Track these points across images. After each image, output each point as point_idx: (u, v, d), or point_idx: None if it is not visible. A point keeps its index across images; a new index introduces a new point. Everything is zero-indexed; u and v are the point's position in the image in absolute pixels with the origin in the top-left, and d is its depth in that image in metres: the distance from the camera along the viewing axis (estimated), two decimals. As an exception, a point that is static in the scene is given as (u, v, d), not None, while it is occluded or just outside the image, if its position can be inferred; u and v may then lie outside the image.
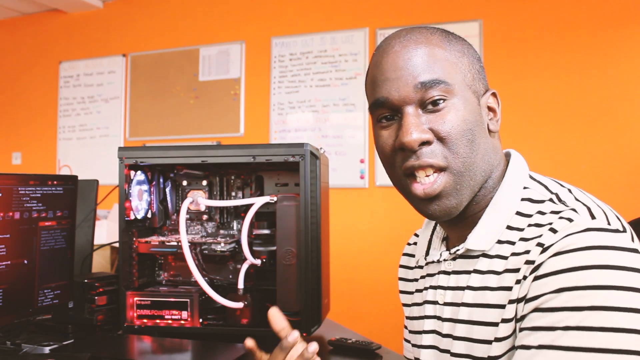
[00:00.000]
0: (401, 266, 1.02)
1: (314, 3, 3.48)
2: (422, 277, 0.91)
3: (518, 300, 0.70)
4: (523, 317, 0.69)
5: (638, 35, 2.85)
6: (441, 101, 0.76)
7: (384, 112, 0.79)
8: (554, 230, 0.70)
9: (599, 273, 0.64)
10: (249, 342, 0.91)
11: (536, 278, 0.68)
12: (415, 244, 1.00)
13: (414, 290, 0.94)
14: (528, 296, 0.68)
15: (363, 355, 1.31)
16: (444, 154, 0.76)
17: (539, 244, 0.70)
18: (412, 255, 0.99)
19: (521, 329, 0.69)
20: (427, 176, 0.77)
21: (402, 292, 1.01)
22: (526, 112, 2.97)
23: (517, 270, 0.72)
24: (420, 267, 0.93)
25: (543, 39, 2.99)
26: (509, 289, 0.72)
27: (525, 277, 0.70)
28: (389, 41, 0.81)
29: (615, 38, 2.87)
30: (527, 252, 0.72)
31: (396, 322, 1.06)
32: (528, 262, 0.70)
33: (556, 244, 0.68)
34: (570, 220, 0.70)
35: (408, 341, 1.00)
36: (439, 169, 0.76)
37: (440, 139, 0.76)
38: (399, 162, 0.79)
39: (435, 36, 0.79)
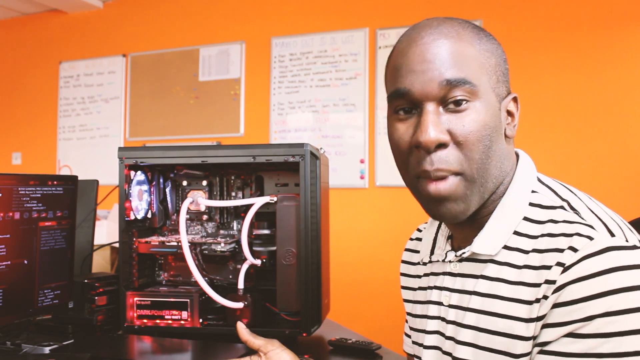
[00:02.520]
0: (403, 261, 1.01)
1: (314, 3, 3.48)
2: (426, 274, 0.91)
3: (537, 319, 0.69)
4: (547, 343, 0.68)
5: (638, 35, 2.85)
6: (464, 102, 0.73)
7: (403, 103, 0.77)
8: (574, 250, 0.68)
9: (627, 296, 0.64)
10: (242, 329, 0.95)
11: (560, 304, 0.67)
12: (418, 239, 0.99)
13: (416, 287, 0.93)
14: (551, 321, 0.68)
15: (363, 355, 1.31)
16: (459, 159, 0.74)
17: (559, 264, 0.69)
18: (415, 251, 0.98)
19: (545, 352, 0.68)
20: (442, 179, 0.75)
21: (404, 287, 1.00)
22: (526, 112, 2.96)
23: (536, 286, 0.71)
24: (424, 263, 0.93)
25: (543, 39, 2.99)
26: (528, 303, 0.71)
27: (545, 297, 0.69)
28: (418, 31, 0.78)
29: (615, 38, 2.87)
30: (546, 267, 0.70)
31: (396, 322, 1.06)
32: (549, 282, 0.69)
33: (577, 266, 0.67)
34: (590, 238, 0.69)
35: (409, 336, 1.00)
36: (453, 173, 0.74)
37: (457, 143, 0.73)
38: (413, 164, 0.76)
39: (466, 32, 0.76)
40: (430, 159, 0.74)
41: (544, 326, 0.69)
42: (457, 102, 0.73)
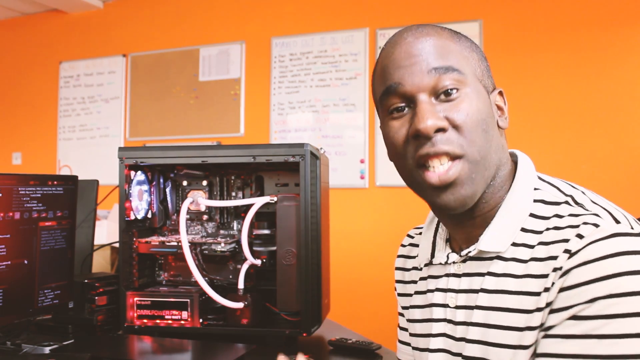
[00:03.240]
0: (397, 268, 1.00)
1: (314, 3, 3.48)
2: (423, 278, 0.90)
3: (545, 307, 0.70)
4: (551, 327, 0.68)
5: (638, 35, 2.85)
6: (454, 90, 0.75)
7: (396, 101, 0.78)
8: (580, 236, 0.69)
9: (631, 279, 0.64)
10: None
11: (566, 288, 0.67)
12: (412, 245, 0.99)
13: (412, 293, 0.93)
14: (557, 306, 0.68)
15: (363, 355, 1.31)
16: (460, 141, 0.74)
17: (566, 250, 0.69)
18: (409, 257, 0.98)
19: (549, 336, 0.68)
20: (441, 165, 0.74)
21: (400, 294, 0.99)
22: (526, 112, 2.97)
23: (544, 276, 0.71)
24: (418, 269, 0.92)
25: (543, 39, 2.99)
26: (536, 294, 0.71)
27: (553, 284, 0.69)
28: (400, 34, 0.80)
29: (615, 38, 2.87)
30: (553, 258, 0.70)
31: (396, 322, 1.05)
32: (556, 269, 0.69)
33: (583, 251, 0.67)
34: (596, 225, 0.69)
35: (406, 343, 0.99)
36: (454, 157, 0.74)
37: (456, 127, 0.74)
38: (411, 152, 0.76)
39: (445, 32, 0.80)
40: (431, 142, 0.74)
41: (551, 312, 0.69)
42: (448, 92, 0.75)
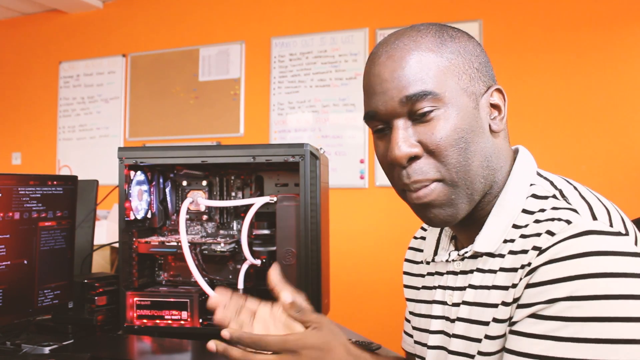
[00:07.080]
0: (407, 260, 1.01)
1: (314, 3, 3.48)
2: (430, 274, 0.91)
3: (513, 302, 0.70)
4: (516, 322, 0.69)
5: (638, 35, 2.85)
6: (430, 112, 0.73)
7: (376, 124, 0.79)
8: (551, 233, 0.68)
9: (594, 282, 0.63)
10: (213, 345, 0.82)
11: (530, 285, 0.67)
12: (422, 238, 0.99)
13: (420, 286, 0.93)
14: (521, 302, 0.69)
15: (363, 356, 1.31)
16: (436, 167, 0.74)
17: (535, 247, 0.69)
18: (419, 250, 0.98)
19: (512, 332, 0.69)
20: (422, 187, 0.75)
21: (406, 286, 1.00)
22: (526, 112, 2.97)
23: (513, 271, 0.71)
24: (427, 263, 0.92)
25: (543, 39, 2.99)
26: (504, 288, 0.72)
27: (520, 280, 0.69)
28: (376, 50, 0.79)
29: (615, 38, 2.87)
30: (524, 252, 0.71)
31: (396, 322, 1.06)
32: (524, 266, 0.70)
33: (551, 249, 0.67)
34: (568, 222, 0.68)
35: (409, 335, 1.00)
36: (432, 180, 0.75)
37: (430, 152, 0.74)
38: (396, 179, 0.78)
39: (426, 39, 0.76)
40: (406, 172, 0.75)
41: (517, 307, 0.70)
42: (424, 114, 0.74)
